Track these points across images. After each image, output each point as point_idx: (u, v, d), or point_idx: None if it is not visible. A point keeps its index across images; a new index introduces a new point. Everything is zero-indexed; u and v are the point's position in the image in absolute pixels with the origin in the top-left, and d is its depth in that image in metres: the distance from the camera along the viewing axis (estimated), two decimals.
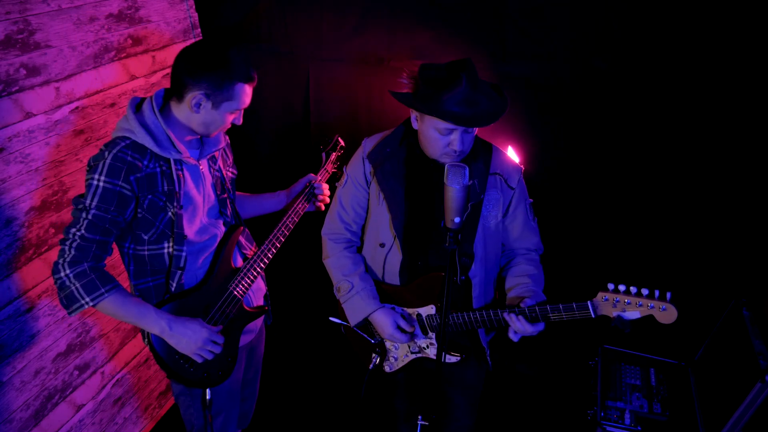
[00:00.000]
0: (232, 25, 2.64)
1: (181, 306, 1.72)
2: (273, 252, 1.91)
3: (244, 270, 1.86)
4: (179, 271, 1.71)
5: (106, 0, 2.11)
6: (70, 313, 1.55)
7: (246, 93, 1.65)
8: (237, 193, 2.07)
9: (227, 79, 1.58)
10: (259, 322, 2.08)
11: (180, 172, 1.66)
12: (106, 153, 1.54)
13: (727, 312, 2.22)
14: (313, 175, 2.12)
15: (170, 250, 1.69)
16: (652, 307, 1.48)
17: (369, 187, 1.88)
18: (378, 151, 1.84)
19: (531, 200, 1.89)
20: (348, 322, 1.95)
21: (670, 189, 2.24)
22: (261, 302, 2.02)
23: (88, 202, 1.53)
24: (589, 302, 1.56)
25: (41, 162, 1.97)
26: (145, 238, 1.65)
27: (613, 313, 1.53)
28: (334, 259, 1.96)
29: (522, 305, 1.67)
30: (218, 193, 1.84)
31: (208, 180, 1.79)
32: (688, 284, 2.35)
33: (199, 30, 2.62)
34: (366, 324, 1.95)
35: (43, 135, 1.96)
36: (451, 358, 1.87)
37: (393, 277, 1.89)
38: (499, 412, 2.79)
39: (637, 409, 2.23)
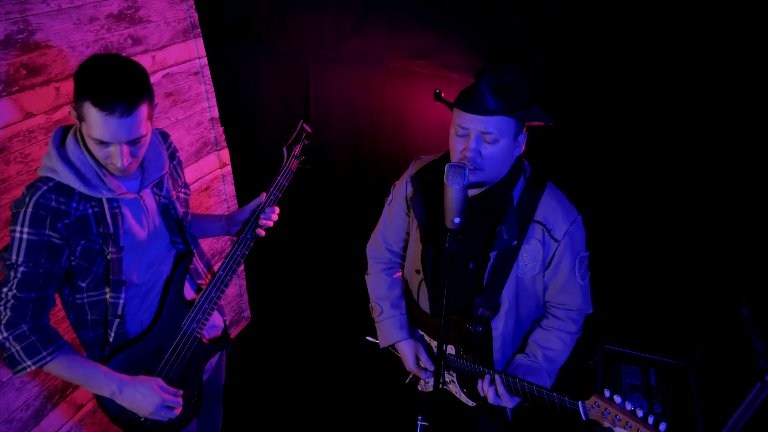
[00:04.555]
0: (232, 25, 2.64)
1: (130, 357, 1.58)
2: (226, 286, 1.73)
3: (198, 305, 1.69)
4: (117, 320, 1.55)
5: (106, 0, 2.11)
6: (15, 374, 1.43)
7: (96, 119, 1.30)
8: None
9: (76, 92, 1.32)
10: (215, 358, 1.93)
11: (117, 211, 1.48)
12: (27, 199, 1.36)
13: (727, 312, 2.22)
14: (264, 196, 1.80)
15: (108, 296, 1.53)
16: None
17: (409, 211, 1.81)
18: (420, 176, 1.73)
19: (587, 253, 1.69)
20: (378, 340, 1.97)
21: (671, 189, 2.23)
22: (218, 335, 1.88)
23: (14, 258, 1.37)
24: (580, 402, 1.46)
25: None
26: (83, 285, 1.50)
27: (605, 424, 1.41)
28: (371, 279, 1.99)
29: (521, 378, 1.58)
30: (166, 220, 1.65)
31: (153, 209, 1.61)
32: (688, 284, 2.35)
33: (199, 30, 2.62)
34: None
35: (44, 135, 1.96)
36: (469, 402, 1.83)
37: (425, 304, 1.86)
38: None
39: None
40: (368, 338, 2.11)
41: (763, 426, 1.86)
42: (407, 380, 2.00)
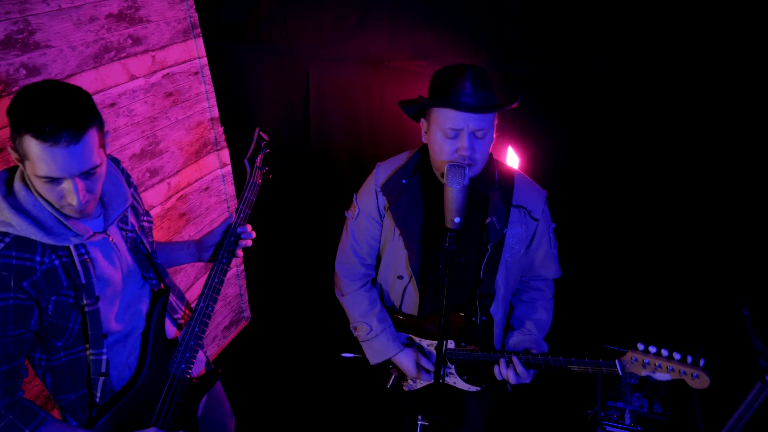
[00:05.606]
0: (232, 25, 2.64)
1: (119, 414, 1.45)
2: (209, 318, 1.60)
3: (184, 343, 1.56)
4: (101, 378, 1.41)
5: (106, 0, 2.11)
6: None
7: (40, 153, 1.15)
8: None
9: (13, 128, 1.17)
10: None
11: (86, 257, 1.33)
12: None
13: (727, 312, 2.23)
14: (234, 216, 1.69)
15: (88, 353, 1.39)
16: (684, 373, 1.42)
17: (383, 221, 1.78)
18: (393, 183, 1.71)
19: (554, 225, 1.79)
20: (368, 358, 1.90)
21: (670, 189, 2.24)
22: (203, 371, 1.75)
23: None
24: (617, 361, 1.48)
25: None
26: (59, 345, 1.35)
27: (643, 373, 1.46)
28: (349, 298, 1.89)
29: (535, 353, 1.61)
30: (136, 256, 1.52)
31: (123, 246, 1.48)
32: (688, 284, 2.35)
33: (199, 30, 2.62)
34: None
35: None
36: (472, 388, 1.84)
37: (411, 308, 1.83)
38: (499, 412, 2.79)
39: (637, 408, 2.23)
40: (344, 355, 1.99)
41: (763, 426, 1.87)
42: (389, 384, 1.95)
